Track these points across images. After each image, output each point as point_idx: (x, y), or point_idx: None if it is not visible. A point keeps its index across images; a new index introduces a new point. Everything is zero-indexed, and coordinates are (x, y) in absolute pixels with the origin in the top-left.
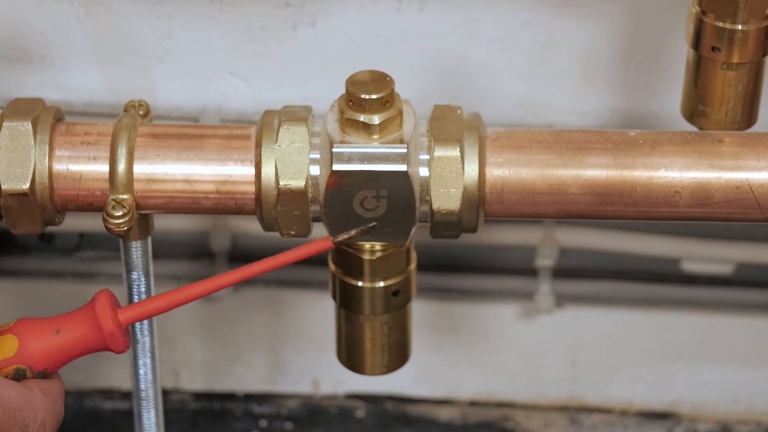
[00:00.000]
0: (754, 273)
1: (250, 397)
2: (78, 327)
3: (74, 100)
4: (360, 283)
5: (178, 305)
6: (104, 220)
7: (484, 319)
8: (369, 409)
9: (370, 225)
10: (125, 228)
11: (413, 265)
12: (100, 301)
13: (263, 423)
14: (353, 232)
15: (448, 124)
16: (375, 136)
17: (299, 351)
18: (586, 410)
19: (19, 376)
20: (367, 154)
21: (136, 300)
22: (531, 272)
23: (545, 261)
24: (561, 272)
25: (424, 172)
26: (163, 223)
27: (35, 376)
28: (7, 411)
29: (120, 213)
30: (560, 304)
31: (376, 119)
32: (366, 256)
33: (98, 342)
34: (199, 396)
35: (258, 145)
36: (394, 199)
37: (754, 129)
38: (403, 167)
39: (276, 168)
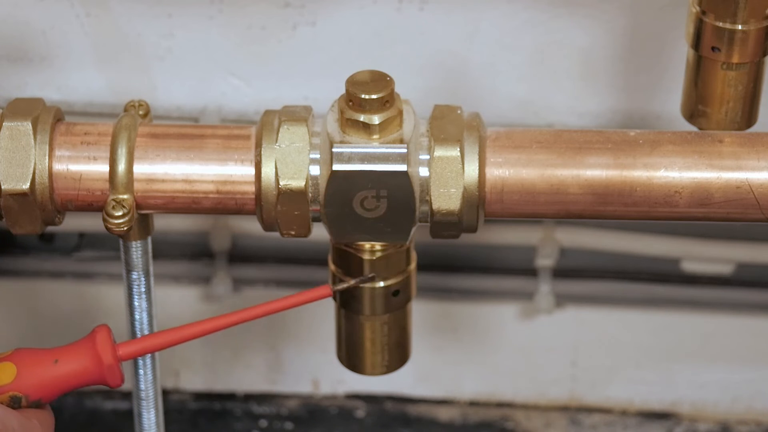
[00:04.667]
0: (754, 273)
1: (250, 397)
2: (77, 359)
3: (74, 100)
4: None
5: (176, 343)
6: (104, 220)
7: (484, 319)
8: (369, 409)
9: (370, 276)
10: (125, 228)
11: (413, 265)
12: (101, 335)
13: (263, 423)
14: (353, 282)
15: (448, 124)
16: (375, 136)
17: (299, 351)
18: (586, 410)
19: (14, 404)
20: (367, 154)
21: (135, 301)
22: (531, 272)
23: (545, 261)
24: (561, 272)
25: (424, 172)
26: (163, 223)
27: (29, 405)
28: None
29: (120, 213)
30: (560, 304)
31: (376, 119)
32: (366, 256)
33: (96, 375)
34: (199, 396)
35: (258, 145)
36: (394, 199)
37: (754, 129)
38: (403, 167)
39: (276, 168)
